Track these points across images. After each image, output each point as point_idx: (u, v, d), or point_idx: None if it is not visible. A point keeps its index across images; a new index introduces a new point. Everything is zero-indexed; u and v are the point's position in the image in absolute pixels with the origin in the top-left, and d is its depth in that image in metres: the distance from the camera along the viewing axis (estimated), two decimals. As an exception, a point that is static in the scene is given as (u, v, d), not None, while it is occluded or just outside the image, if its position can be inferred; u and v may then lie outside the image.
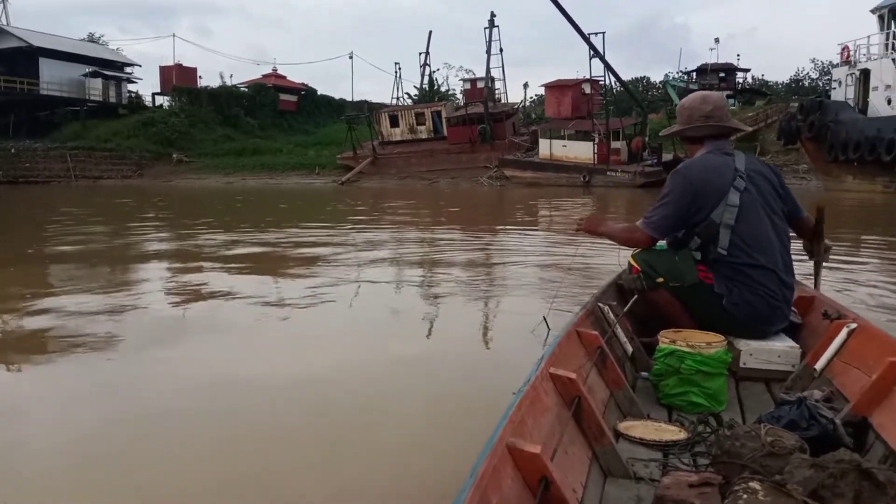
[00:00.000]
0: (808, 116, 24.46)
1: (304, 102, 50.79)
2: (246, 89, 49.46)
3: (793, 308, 2.74)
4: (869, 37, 25.44)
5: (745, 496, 1.29)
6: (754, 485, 1.31)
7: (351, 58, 51.54)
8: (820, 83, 44.47)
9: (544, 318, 3.99)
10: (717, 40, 45.55)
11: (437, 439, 2.71)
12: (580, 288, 5.38)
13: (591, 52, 29.22)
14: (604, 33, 30.32)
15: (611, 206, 19.91)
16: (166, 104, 49.28)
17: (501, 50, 37.81)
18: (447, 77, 60.82)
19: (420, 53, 42.82)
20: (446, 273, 7.31)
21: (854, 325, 2.40)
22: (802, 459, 1.41)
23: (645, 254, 2.79)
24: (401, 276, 7.30)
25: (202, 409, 3.09)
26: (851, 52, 26.08)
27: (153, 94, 51.20)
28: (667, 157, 29.16)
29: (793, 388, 2.37)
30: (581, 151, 30.79)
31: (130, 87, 51.06)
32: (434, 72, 46.43)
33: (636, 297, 2.78)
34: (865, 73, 24.87)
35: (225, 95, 47.93)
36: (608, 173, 29.14)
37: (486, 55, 36.85)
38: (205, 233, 11.73)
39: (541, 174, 31.50)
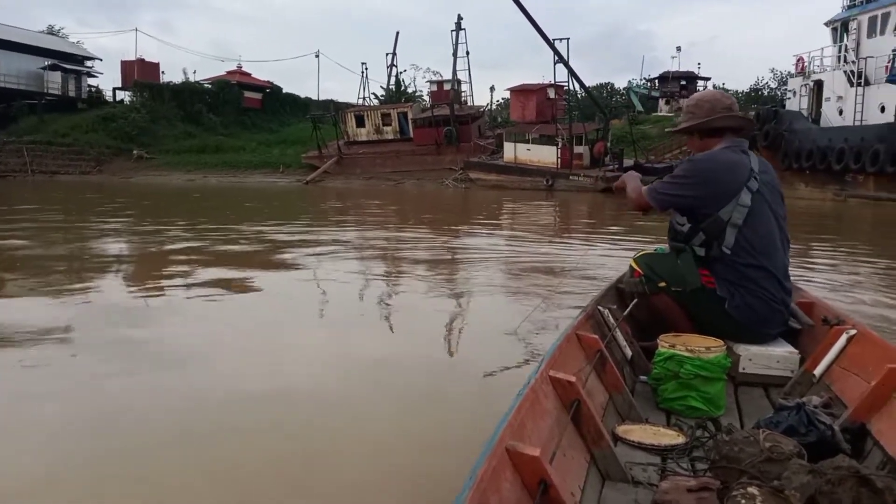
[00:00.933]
0: (764, 125, 25.13)
1: (269, 100, 50.30)
2: (209, 86, 48.80)
3: (792, 314, 2.73)
4: (822, 49, 26.32)
5: (743, 501, 1.29)
6: (752, 490, 1.31)
7: (317, 56, 51.50)
8: (778, 92, 45.67)
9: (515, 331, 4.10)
10: (678, 49, 46.18)
11: (432, 440, 2.73)
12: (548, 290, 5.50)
13: (556, 58, 29.54)
14: (568, 39, 30.77)
15: (573, 209, 20.20)
16: (127, 99, 48.35)
17: (468, 53, 37.99)
18: (414, 78, 60.92)
19: (387, 54, 42.81)
20: (410, 272, 7.42)
21: (853, 332, 2.40)
22: (800, 465, 1.41)
23: (647, 258, 2.80)
24: (366, 274, 7.40)
25: (172, 418, 3.00)
26: (806, 64, 26.90)
27: (114, 89, 50.36)
28: (628, 162, 29.69)
29: (791, 393, 2.37)
30: (545, 155, 31.12)
31: (90, 81, 50.01)
32: (401, 73, 46.47)
33: (636, 300, 2.77)
34: (819, 84, 25.67)
35: (188, 92, 47.23)
36: (571, 177, 29.48)
37: (452, 58, 37.06)
38: (167, 232, 11.59)
39: (505, 177, 31.72)
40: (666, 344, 2.38)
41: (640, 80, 48.88)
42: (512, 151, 32.59)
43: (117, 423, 2.88)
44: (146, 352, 4.02)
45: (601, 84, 58.72)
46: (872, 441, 1.84)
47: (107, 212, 16.01)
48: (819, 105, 25.50)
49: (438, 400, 3.28)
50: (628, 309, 2.75)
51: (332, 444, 2.74)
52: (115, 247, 9.70)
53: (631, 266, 2.83)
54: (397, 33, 42.50)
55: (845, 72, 24.04)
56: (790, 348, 2.60)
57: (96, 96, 49.12)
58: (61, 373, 3.60)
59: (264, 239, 10.41)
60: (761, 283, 2.55)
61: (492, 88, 53.35)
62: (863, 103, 23.14)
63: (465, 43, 37.42)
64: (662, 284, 2.67)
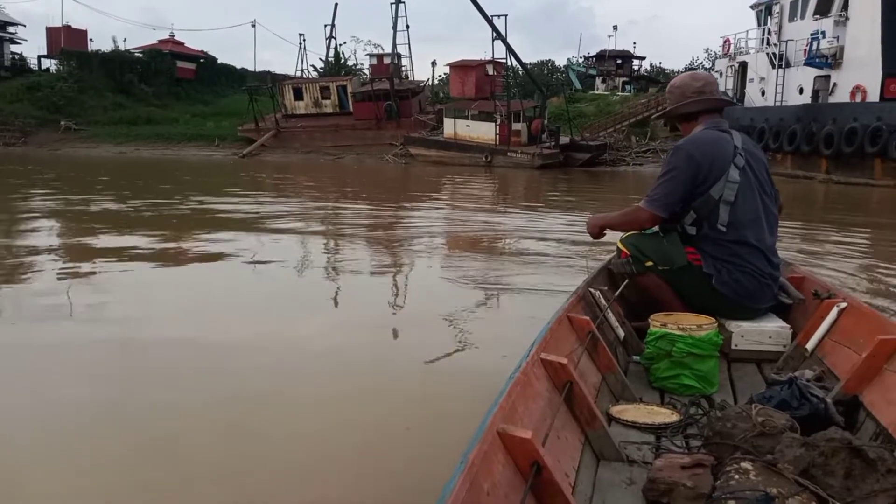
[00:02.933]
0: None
1: (204, 71, 48.83)
2: (140, 55, 47.00)
3: (783, 288, 2.74)
4: (747, 31, 27.33)
5: (736, 476, 1.31)
6: (746, 465, 1.32)
7: (254, 26, 49.90)
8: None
9: None
10: (615, 28, 47.91)
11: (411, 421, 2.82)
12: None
13: (494, 34, 29.73)
14: (506, 16, 30.95)
15: (510, 185, 20.61)
16: (53, 68, 46.19)
17: (408, 27, 37.80)
18: (355, 51, 60.03)
19: (325, 25, 42.06)
20: (356, 250, 7.61)
21: (844, 305, 2.42)
22: (793, 439, 1.42)
23: (633, 238, 2.79)
24: (306, 252, 7.53)
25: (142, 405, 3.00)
26: (732, 45, 27.89)
27: (39, 57, 47.85)
28: (564, 139, 30.33)
29: (784, 368, 2.38)
30: (483, 132, 31.38)
31: (13, 48, 47.57)
32: (341, 45, 45.82)
33: (626, 281, 2.78)
34: (743, 66, 26.72)
35: (118, 61, 45.39)
36: (509, 154, 29.86)
37: (392, 31, 36.79)
38: (96, 204, 11.40)
39: (445, 153, 31.87)
40: (657, 323, 2.39)
41: (579, 58, 49.66)
42: (452, 127, 32.72)
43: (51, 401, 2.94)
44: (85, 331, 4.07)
45: (542, 61, 59.39)
46: (865, 412, 1.85)
47: (30, 185, 15.53)
48: (743, 86, 26.57)
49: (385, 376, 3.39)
50: (619, 290, 2.78)
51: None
52: (37, 227, 9.54)
53: (618, 247, 2.85)
54: (336, 4, 41.53)
55: (768, 54, 25.08)
56: (782, 323, 2.62)
57: (20, 64, 46.74)
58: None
59: (203, 215, 10.40)
60: (747, 258, 2.58)
61: (433, 63, 53.25)
62: (783, 84, 24.25)
63: (406, 17, 37.42)
64: (649, 264, 2.69)
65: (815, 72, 22.73)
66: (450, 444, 2.27)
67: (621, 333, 2.67)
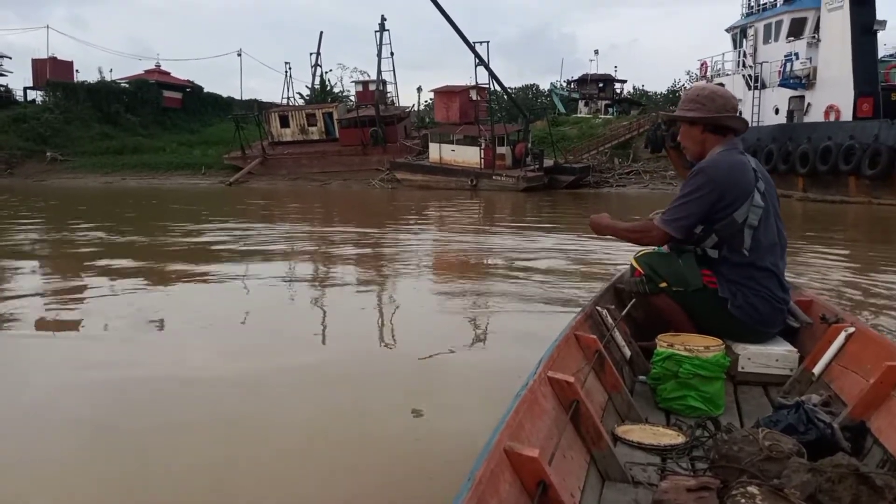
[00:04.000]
0: (671, 127, 26.49)
1: (190, 100, 49.15)
2: (127, 85, 47.26)
3: (791, 312, 2.72)
4: (724, 54, 27.97)
5: (742, 500, 1.28)
6: (752, 489, 1.30)
7: (239, 55, 50.39)
8: (690, 95, 47.75)
9: None
10: (596, 52, 48.66)
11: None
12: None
13: (476, 60, 30.22)
14: (488, 42, 31.51)
15: (497, 208, 20.86)
16: (39, 99, 46.33)
17: (392, 54, 38.30)
18: (341, 78, 60.54)
19: (311, 53, 42.55)
20: (346, 274, 7.74)
21: (852, 330, 2.39)
22: (800, 464, 1.40)
23: (648, 257, 2.74)
24: (294, 276, 7.65)
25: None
26: (709, 68, 28.50)
27: (25, 89, 48.02)
28: (548, 162, 30.72)
29: (791, 392, 2.37)
30: (468, 156, 31.76)
31: None
32: (327, 72, 46.32)
33: (634, 300, 2.75)
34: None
35: (104, 91, 45.63)
36: (494, 177, 30.20)
37: (377, 58, 37.28)
38: (82, 235, 11.48)
39: (431, 177, 32.18)
40: (664, 343, 2.38)
41: (561, 82, 50.46)
42: (437, 152, 33.10)
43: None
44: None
45: (527, 85, 60.32)
46: (872, 439, 1.83)
47: (18, 216, 15.60)
48: (721, 107, 27.03)
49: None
50: (626, 309, 2.75)
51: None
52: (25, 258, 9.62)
53: (631, 265, 2.80)
54: (321, 33, 42.06)
55: (744, 76, 25.66)
56: (789, 347, 2.60)
57: (6, 96, 46.86)
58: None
59: (191, 242, 10.52)
60: (764, 282, 2.55)
61: (419, 89, 53.88)
62: (759, 105, 24.80)
63: (390, 44, 37.72)
64: (664, 285, 2.64)
65: (789, 92, 23.28)
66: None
67: (628, 353, 2.65)
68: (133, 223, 14.17)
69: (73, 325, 5.02)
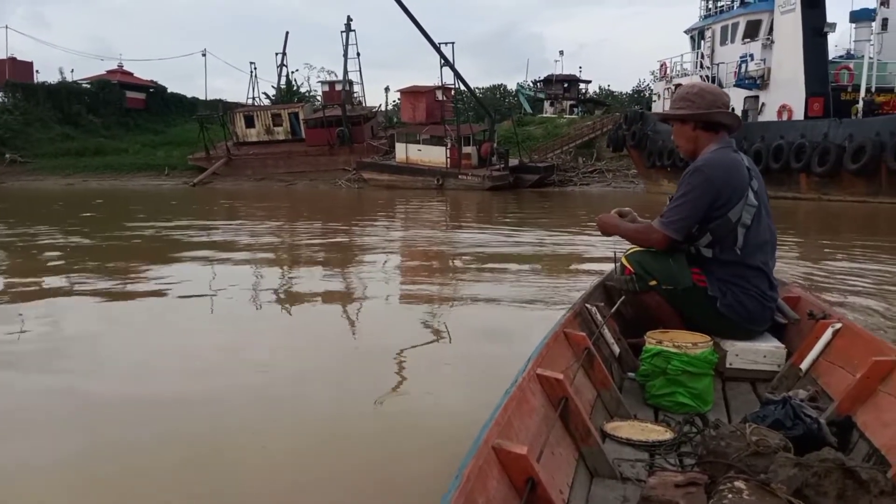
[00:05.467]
0: (632, 126, 27.01)
1: (153, 100, 48.51)
2: (88, 86, 46.56)
3: (779, 308, 2.73)
4: (682, 55, 28.54)
5: (730, 495, 1.29)
6: (739, 484, 1.31)
7: (204, 55, 49.62)
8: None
9: None
10: (561, 53, 49.28)
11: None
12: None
13: (442, 61, 30.43)
14: (453, 43, 31.67)
15: (463, 207, 21.06)
16: (-2, 100, 45.44)
17: (359, 54, 38.36)
18: (308, 78, 60.25)
19: (277, 53, 42.37)
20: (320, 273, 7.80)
21: (839, 325, 2.42)
22: (787, 458, 1.41)
23: (639, 255, 2.73)
24: (262, 276, 7.67)
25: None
26: (668, 69, 29.08)
27: (-18, 90, 47.03)
28: (513, 162, 31.07)
29: (778, 387, 2.39)
30: (435, 156, 31.97)
31: (-45, 80, 46.58)
32: (293, 72, 46.11)
33: (623, 297, 2.77)
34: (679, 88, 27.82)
35: (65, 92, 44.89)
36: (460, 177, 30.46)
37: (343, 58, 37.29)
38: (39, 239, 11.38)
39: (397, 177, 32.34)
40: (653, 340, 2.39)
41: (527, 82, 50.93)
42: (403, 152, 33.26)
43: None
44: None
45: (495, 85, 60.74)
46: (858, 433, 1.85)
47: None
48: (680, 107, 27.60)
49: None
50: (616, 306, 2.77)
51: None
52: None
53: (622, 263, 2.79)
54: (287, 33, 41.87)
55: (701, 76, 26.20)
56: (777, 343, 2.63)
57: (-38, 97, 45.84)
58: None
59: (149, 244, 10.50)
60: (753, 280, 2.57)
61: (386, 89, 53.89)
62: (716, 105, 25.34)
63: (356, 44, 37.77)
64: (653, 283, 2.65)
65: (744, 92, 23.86)
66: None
67: (617, 350, 2.66)
68: (98, 226, 14.04)
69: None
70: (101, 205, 21.34)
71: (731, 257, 2.55)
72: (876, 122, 19.16)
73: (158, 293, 6.14)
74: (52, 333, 4.80)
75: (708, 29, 26.65)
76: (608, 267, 3.31)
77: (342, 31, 36.90)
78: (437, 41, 29.66)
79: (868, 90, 20.75)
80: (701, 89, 2.67)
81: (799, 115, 21.65)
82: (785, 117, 22.16)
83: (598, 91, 54.05)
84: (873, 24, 21.33)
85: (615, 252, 2.96)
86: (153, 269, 7.75)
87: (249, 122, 38.50)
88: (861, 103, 20.61)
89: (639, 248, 2.78)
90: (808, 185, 20.27)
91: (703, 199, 2.50)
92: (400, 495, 2.37)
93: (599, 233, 2.93)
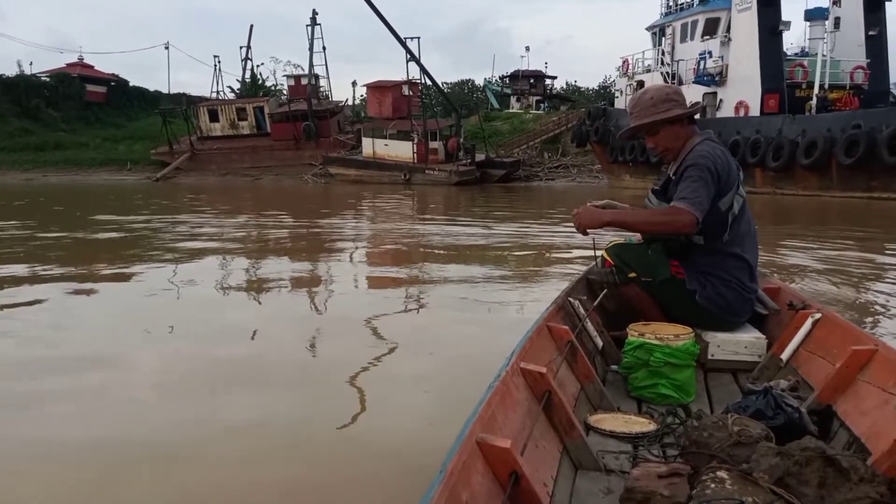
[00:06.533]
0: (595, 122, 27.43)
1: (115, 94, 47.62)
2: (48, 79, 45.54)
3: (759, 299, 2.75)
4: (644, 52, 29.03)
5: (712, 485, 1.30)
6: (722, 474, 1.32)
7: (167, 48, 48.80)
8: (617, 91, 49.40)
9: None
10: (527, 48, 49.35)
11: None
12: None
13: (408, 56, 30.49)
14: (419, 38, 31.81)
15: (430, 201, 21.19)
16: (-48, 94, 44.17)
17: (325, 48, 38.19)
18: (274, 71, 59.70)
19: (241, 47, 41.91)
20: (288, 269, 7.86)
21: (819, 316, 2.44)
22: (768, 448, 1.42)
23: (618, 248, 2.76)
24: (228, 276, 7.65)
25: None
26: (630, 65, 29.56)
27: (-64, 83, 45.66)
28: (480, 157, 31.28)
29: (759, 378, 2.40)
30: (402, 151, 32.01)
31: None
32: (258, 66, 45.64)
33: (606, 291, 2.79)
34: (641, 84, 28.29)
35: (23, 85, 43.82)
36: (427, 172, 30.57)
37: (309, 52, 37.09)
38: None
39: (364, 172, 32.34)
40: (635, 333, 2.40)
41: (494, 77, 51.23)
42: (370, 147, 33.25)
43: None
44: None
45: (463, 80, 60.83)
46: (839, 422, 1.88)
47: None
48: (641, 103, 28.12)
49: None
50: (598, 299, 2.79)
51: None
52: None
53: (602, 256, 2.81)
54: (251, 27, 41.43)
55: (662, 73, 26.73)
56: (757, 334, 2.65)
57: (-85, 90, 44.47)
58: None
59: (106, 241, 10.39)
60: (734, 272, 2.58)
61: (353, 83, 53.27)
62: (677, 101, 25.86)
63: (322, 38, 37.60)
64: (633, 275, 2.67)
65: (703, 89, 24.40)
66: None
67: (600, 343, 2.67)
68: (57, 222, 13.85)
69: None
70: (62, 200, 20.97)
71: (717, 246, 2.56)
72: (827, 118, 19.80)
73: (114, 292, 6.15)
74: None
75: (668, 26, 27.17)
76: (567, 255, 3.29)
77: (308, 25, 36.71)
78: (403, 36, 29.83)
79: (821, 87, 21.42)
80: (674, 91, 2.69)
81: (755, 111, 22.24)
82: (742, 113, 22.74)
83: (564, 87, 54.57)
84: (826, 22, 21.97)
85: (594, 241, 2.96)
86: (110, 267, 7.74)
87: (214, 117, 38.09)
88: (815, 100, 21.26)
89: (618, 241, 2.80)
90: (763, 180, 20.84)
91: (713, 181, 2.46)
92: (384, 492, 2.35)
93: (575, 229, 2.69)
